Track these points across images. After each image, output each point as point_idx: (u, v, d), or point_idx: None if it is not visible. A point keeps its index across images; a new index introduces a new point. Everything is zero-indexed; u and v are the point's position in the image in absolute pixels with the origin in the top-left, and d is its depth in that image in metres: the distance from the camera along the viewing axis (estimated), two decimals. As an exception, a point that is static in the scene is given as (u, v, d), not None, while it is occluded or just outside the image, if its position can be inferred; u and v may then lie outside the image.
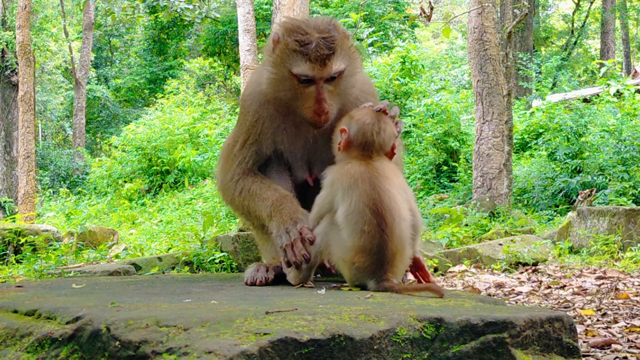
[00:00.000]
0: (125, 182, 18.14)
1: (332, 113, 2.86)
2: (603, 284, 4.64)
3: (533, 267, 5.72)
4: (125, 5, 16.16)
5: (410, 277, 2.97)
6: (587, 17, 30.69)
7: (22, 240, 7.32)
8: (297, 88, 2.82)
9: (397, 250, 2.49)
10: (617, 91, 14.83)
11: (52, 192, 20.63)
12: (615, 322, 3.25)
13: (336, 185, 2.60)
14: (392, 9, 22.52)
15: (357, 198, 2.51)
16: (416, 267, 2.88)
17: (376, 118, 2.70)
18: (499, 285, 4.81)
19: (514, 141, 13.07)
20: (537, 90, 17.79)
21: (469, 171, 12.11)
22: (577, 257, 6.20)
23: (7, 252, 7.44)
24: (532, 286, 4.73)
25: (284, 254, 2.74)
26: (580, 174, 11.04)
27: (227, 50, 25.03)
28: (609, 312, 3.51)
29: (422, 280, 2.91)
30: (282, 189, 2.95)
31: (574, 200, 10.19)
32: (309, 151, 3.04)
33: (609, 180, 10.64)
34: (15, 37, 15.85)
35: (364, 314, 1.86)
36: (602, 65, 20.03)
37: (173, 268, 5.34)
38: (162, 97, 21.80)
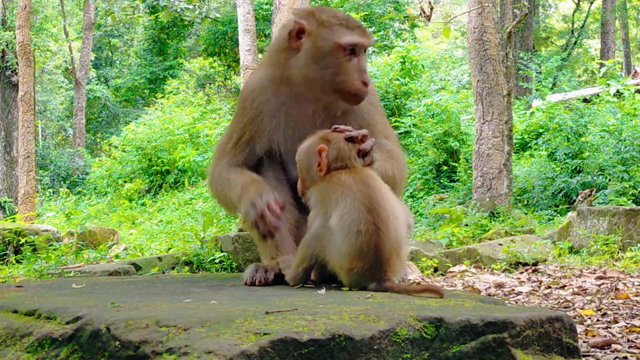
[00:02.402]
0: (125, 182, 18.14)
1: (370, 86, 2.96)
2: (603, 284, 4.63)
3: (533, 267, 5.72)
4: (125, 5, 16.16)
5: (411, 277, 2.97)
6: (587, 17, 30.70)
7: (22, 240, 7.32)
8: (342, 61, 2.86)
9: (393, 248, 2.49)
10: (617, 91, 14.83)
11: (52, 192, 20.63)
12: (615, 322, 3.25)
13: (327, 197, 2.58)
14: (392, 9, 22.51)
15: (352, 198, 2.49)
16: None
17: (342, 140, 2.69)
18: (499, 285, 4.81)
19: (514, 141, 13.07)
20: (537, 90, 17.79)
21: (469, 171, 12.12)
22: (577, 257, 6.20)
23: (7, 252, 7.43)
24: (532, 286, 4.73)
25: (256, 228, 2.79)
26: (580, 174, 11.05)
27: (227, 50, 25.03)
28: (609, 312, 3.51)
29: None
30: (256, 176, 2.98)
31: (574, 200, 10.19)
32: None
33: (609, 180, 10.64)
34: (15, 37, 15.86)
35: (364, 314, 1.86)
36: (602, 65, 20.04)
37: (173, 268, 5.34)
38: (162, 97, 21.80)
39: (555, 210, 10.67)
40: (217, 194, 3.14)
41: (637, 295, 4.05)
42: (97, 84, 28.74)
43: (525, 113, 15.64)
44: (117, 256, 6.51)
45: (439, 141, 13.56)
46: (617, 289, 4.32)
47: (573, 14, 31.27)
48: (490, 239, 6.98)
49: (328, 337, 1.70)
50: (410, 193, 13.36)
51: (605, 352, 2.63)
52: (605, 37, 27.93)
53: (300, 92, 2.99)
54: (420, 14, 9.42)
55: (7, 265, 6.74)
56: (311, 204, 2.69)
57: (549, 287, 4.63)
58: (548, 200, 11.09)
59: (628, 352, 2.62)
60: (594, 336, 2.91)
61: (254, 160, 3.07)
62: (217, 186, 3.10)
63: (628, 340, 2.82)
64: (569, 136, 11.74)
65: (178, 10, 15.16)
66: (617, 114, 13.43)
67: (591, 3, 30.94)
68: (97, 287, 2.78)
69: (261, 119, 3.01)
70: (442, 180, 13.42)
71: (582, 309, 3.65)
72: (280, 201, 2.79)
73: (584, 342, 2.77)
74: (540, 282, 4.94)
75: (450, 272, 5.65)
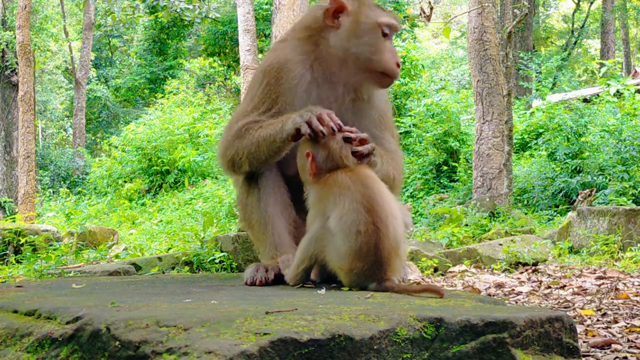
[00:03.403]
0: (125, 182, 18.14)
1: None
2: (603, 284, 4.63)
3: (533, 267, 5.72)
4: (125, 5, 16.17)
5: (411, 277, 2.97)
6: (587, 17, 30.70)
7: (22, 240, 7.32)
8: (378, 40, 2.94)
9: (392, 248, 2.49)
10: (617, 91, 14.83)
11: (52, 192, 20.63)
12: (615, 322, 3.25)
13: (324, 198, 2.59)
14: (392, 9, 22.51)
15: (351, 199, 2.50)
16: None
17: (342, 142, 2.69)
18: (499, 285, 4.81)
19: (514, 141, 13.08)
20: (537, 90, 17.80)
21: (469, 171, 12.12)
22: (577, 257, 6.21)
23: (7, 252, 7.43)
24: (532, 286, 4.73)
25: (308, 128, 2.66)
26: (580, 174, 11.05)
27: (227, 50, 25.03)
28: (609, 312, 3.51)
29: None
30: None
31: (574, 200, 10.19)
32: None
33: (609, 180, 10.64)
34: (15, 37, 15.86)
35: (364, 314, 1.86)
36: (602, 65, 20.04)
37: (173, 268, 5.34)
38: (162, 97, 21.79)
39: (555, 210, 10.67)
40: (239, 143, 2.92)
41: (637, 295, 4.05)
42: (97, 84, 28.74)
43: (525, 113, 15.64)
44: (117, 256, 6.51)
45: (439, 141, 13.57)
46: (617, 289, 4.32)
47: (573, 14, 31.27)
48: (490, 239, 6.98)
49: (328, 337, 1.70)
50: (410, 193, 13.36)
51: (605, 352, 2.63)
52: (605, 37, 27.93)
53: (333, 70, 2.99)
54: (420, 14, 9.42)
55: (7, 265, 6.74)
56: (309, 204, 2.69)
57: (549, 287, 4.63)
58: (548, 200, 11.09)
59: (628, 352, 2.62)
60: (594, 336, 2.90)
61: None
62: (242, 133, 2.91)
63: (628, 340, 2.82)
64: (569, 136, 11.74)
65: (178, 10, 15.17)
66: (617, 114, 13.43)
67: (591, 3, 30.94)
68: (97, 287, 2.78)
69: (294, 93, 2.97)
70: (442, 180, 13.43)
71: (582, 309, 3.65)
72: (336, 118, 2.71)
73: (584, 342, 2.77)
74: (540, 282, 4.94)
75: (450, 272, 5.65)
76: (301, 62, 2.99)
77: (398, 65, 2.98)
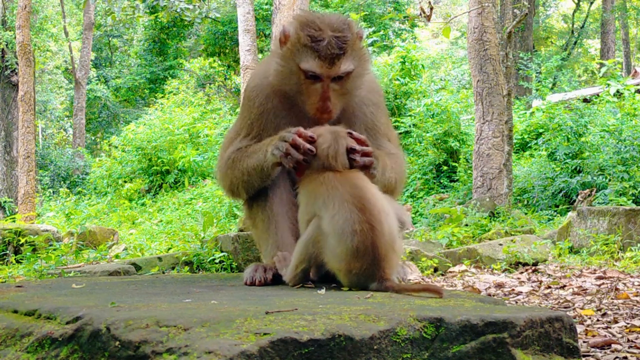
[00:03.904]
0: (125, 182, 18.13)
1: (335, 112, 2.88)
2: (603, 284, 4.64)
3: (533, 267, 5.72)
4: (125, 5, 16.17)
5: (411, 277, 2.97)
6: (587, 17, 30.70)
7: (22, 240, 7.32)
8: (304, 83, 2.83)
9: (389, 244, 2.49)
10: (617, 91, 14.83)
11: (52, 192, 20.63)
12: (615, 322, 3.25)
13: (313, 197, 2.60)
14: (392, 9, 22.52)
15: (341, 199, 2.50)
16: None
17: (333, 139, 2.69)
18: (499, 285, 4.81)
19: (514, 141, 13.07)
20: (537, 90, 17.80)
21: (469, 171, 12.12)
22: (577, 257, 6.21)
23: (7, 252, 7.43)
24: (532, 286, 4.73)
25: (286, 158, 2.71)
26: (580, 174, 11.05)
27: (227, 50, 25.04)
28: (609, 312, 3.51)
29: None
30: None
31: (574, 200, 10.19)
32: None
33: (609, 180, 10.64)
34: (15, 37, 15.86)
35: (364, 314, 1.86)
36: (602, 65, 20.03)
37: (173, 268, 5.34)
38: (162, 97, 21.80)
39: (555, 210, 10.67)
40: (229, 178, 3.03)
41: (637, 295, 4.05)
42: (97, 84, 28.74)
43: (525, 113, 15.64)
44: (117, 256, 6.51)
45: (439, 141, 13.56)
46: (617, 289, 4.32)
47: (573, 14, 31.28)
48: (490, 239, 6.98)
49: (328, 337, 1.70)
50: (410, 193, 13.36)
51: (605, 352, 2.63)
52: (605, 37, 27.93)
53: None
54: (420, 14, 9.42)
55: (7, 265, 6.74)
56: (298, 200, 2.72)
57: (549, 287, 4.63)
58: (548, 200, 11.09)
59: (628, 352, 2.62)
60: (594, 336, 2.91)
61: None
62: (229, 168, 3.01)
63: (628, 340, 2.82)
64: (569, 136, 11.74)
65: (178, 10, 15.17)
66: (617, 114, 13.43)
67: (591, 3, 30.94)
68: (97, 287, 2.78)
69: (267, 115, 2.99)
70: (442, 180, 13.43)
71: (582, 309, 3.65)
72: (312, 133, 2.72)
73: (584, 342, 2.77)
74: (540, 282, 4.94)
75: (450, 272, 5.65)
76: (266, 85, 2.99)
77: (322, 111, 2.83)
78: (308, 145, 2.70)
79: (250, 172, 2.94)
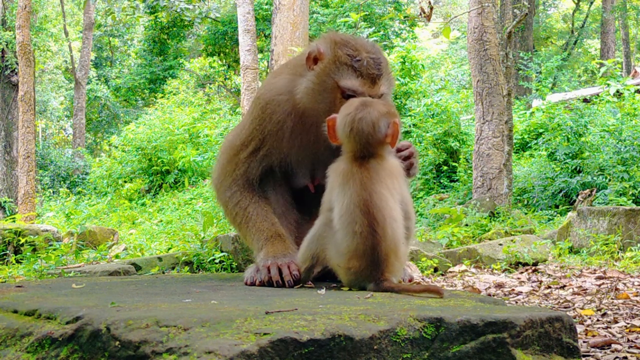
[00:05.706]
0: (125, 182, 18.13)
1: None
2: (603, 284, 4.64)
3: (533, 267, 5.73)
4: (125, 5, 16.18)
5: (414, 275, 2.97)
6: (587, 17, 30.70)
7: (22, 240, 7.32)
8: (339, 102, 2.75)
9: (390, 249, 2.48)
10: (617, 91, 14.83)
11: (52, 192, 20.64)
12: (615, 322, 3.25)
13: (332, 184, 2.60)
14: (392, 9, 22.51)
15: (349, 199, 2.50)
16: None
17: (359, 106, 2.60)
18: (499, 285, 4.81)
19: (514, 141, 13.08)
20: (537, 90, 17.80)
21: (469, 171, 12.12)
22: (577, 257, 6.21)
23: (7, 252, 7.43)
24: (532, 286, 4.73)
25: (266, 272, 2.74)
26: (580, 174, 11.05)
27: (227, 50, 25.03)
28: (609, 312, 3.51)
29: None
30: (278, 225, 2.92)
31: (574, 200, 10.19)
32: (315, 159, 2.97)
33: (609, 180, 10.64)
34: (15, 37, 15.86)
35: (364, 314, 1.86)
36: (602, 65, 20.02)
37: (173, 268, 5.34)
38: (162, 97, 21.79)
39: (555, 210, 10.67)
40: (227, 210, 3.04)
41: (637, 295, 4.05)
42: (97, 84, 28.75)
43: (525, 113, 15.65)
44: (117, 256, 6.51)
45: (439, 141, 13.56)
46: (617, 289, 4.32)
47: (573, 14, 31.28)
48: (490, 239, 6.98)
49: (328, 337, 1.70)
50: (410, 193, 13.35)
51: (605, 352, 2.63)
52: (605, 37, 27.93)
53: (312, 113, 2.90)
54: (420, 14, 9.42)
55: (7, 265, 6.74)
56: (327, 182, 2.66)
57: (549, 287, 4.63)
58: (548, 200, 11.09)
59: (628, 352, 2.62)
60: (594, 336, 2.91)
61: (266, 173, 2.99)
62: (230, 208, 3.00)
63: (628, 340, 2.82)
64: (569, 136, 11.74)
65: (178, 10, 15.18)
66: (617, 114, 13.43)
67: (591, 3, 30.94)
68: (97, 287, 2.78)
69: (284, 133, 2.91)
70: (442, 180, 13.43)
71: (582, 309, 3.65)
72: (296, 267, 2.75)
73: (584, 342, 2.77)
74: (540, 282, 4.94)
75: (450, 272, 5.65)
76: (285, 102, 2.91)
77: None
78: (295, 272, 2.71)
79: (245, 234, 2.99)
